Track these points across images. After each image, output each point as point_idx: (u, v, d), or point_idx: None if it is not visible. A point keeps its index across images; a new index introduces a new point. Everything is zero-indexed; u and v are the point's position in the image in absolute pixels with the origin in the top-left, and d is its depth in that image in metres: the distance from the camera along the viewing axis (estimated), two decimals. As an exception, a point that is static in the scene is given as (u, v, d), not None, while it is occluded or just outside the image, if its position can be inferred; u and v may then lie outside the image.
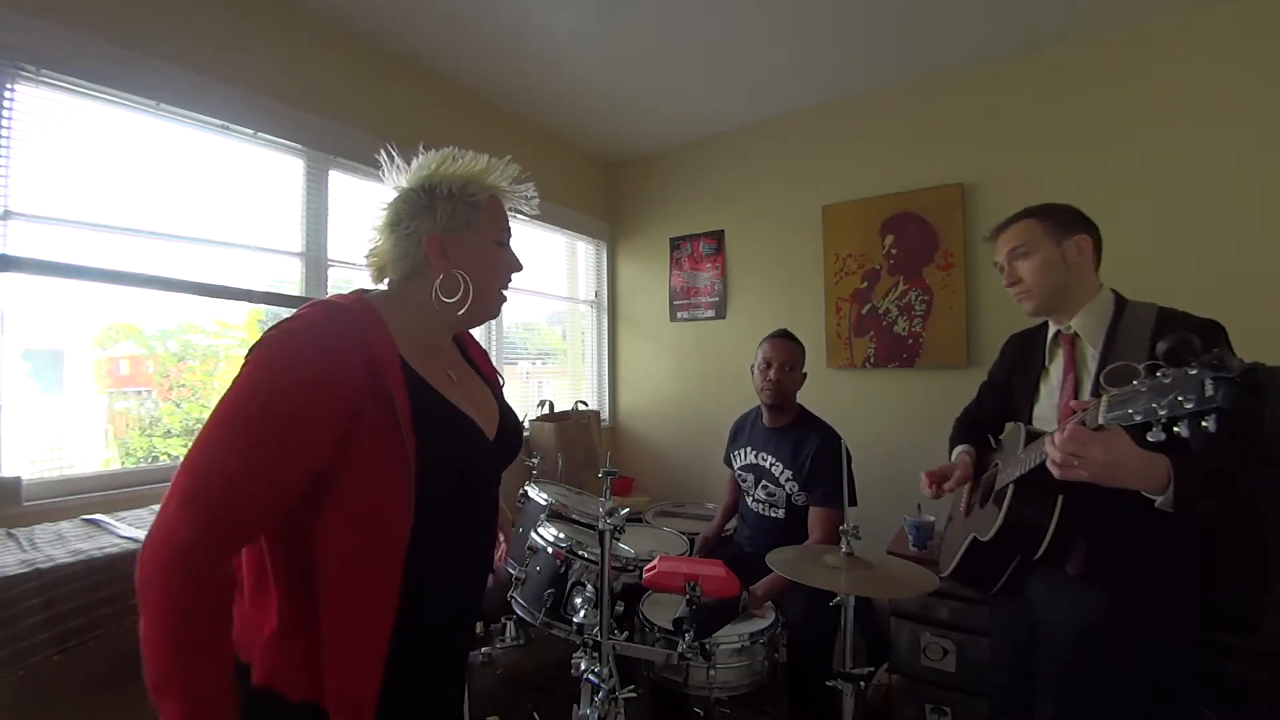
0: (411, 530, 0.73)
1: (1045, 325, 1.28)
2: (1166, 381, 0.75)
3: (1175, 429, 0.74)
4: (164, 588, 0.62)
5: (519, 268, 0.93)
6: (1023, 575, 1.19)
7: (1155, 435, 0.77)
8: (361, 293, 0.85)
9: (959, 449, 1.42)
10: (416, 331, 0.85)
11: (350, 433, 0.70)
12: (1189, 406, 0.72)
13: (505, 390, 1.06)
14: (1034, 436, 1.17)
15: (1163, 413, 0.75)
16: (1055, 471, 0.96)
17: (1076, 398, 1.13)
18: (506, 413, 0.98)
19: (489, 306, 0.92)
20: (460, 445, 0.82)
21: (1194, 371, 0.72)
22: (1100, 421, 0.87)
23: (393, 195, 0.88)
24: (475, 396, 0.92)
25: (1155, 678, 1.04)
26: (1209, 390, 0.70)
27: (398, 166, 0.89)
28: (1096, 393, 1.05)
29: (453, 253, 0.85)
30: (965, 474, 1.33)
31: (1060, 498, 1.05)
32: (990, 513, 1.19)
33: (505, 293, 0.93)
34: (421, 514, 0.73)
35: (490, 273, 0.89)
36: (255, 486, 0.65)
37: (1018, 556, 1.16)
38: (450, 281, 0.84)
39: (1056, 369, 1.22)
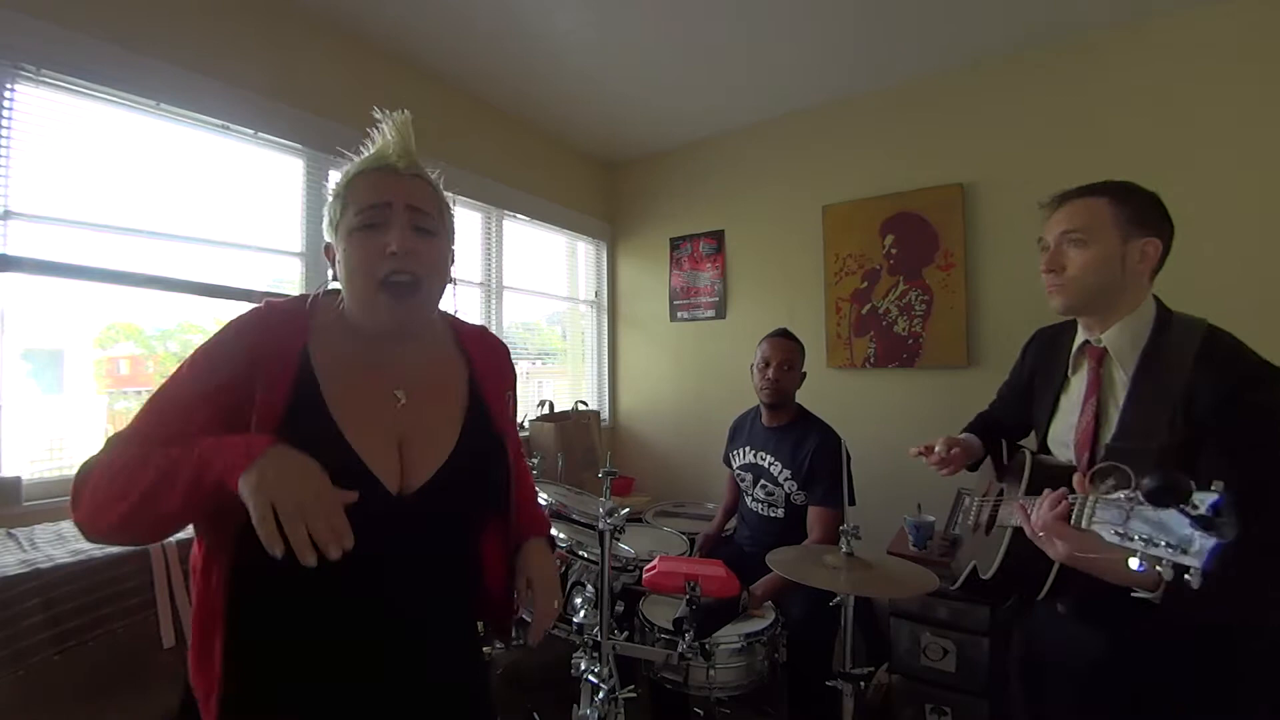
0: (249, 557, 0.63)
1: (1074, 326, 1.11)
2: (1155, 515, 0.67)
3: (1158, 568, 0.66)
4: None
5: (390, 247, 0.72)
6: (1026, 600, 1.13)
7: (1135, 563, 0.68)
8: (321, 292, 0.81)
9: (965, 435, 1.33)
10: (344, 340, 0.76)
11: (237, 405, 0.68)
12: (1170, 556, 0.64)
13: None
14: (1039, 470, 1.08)
15: (1141, 545, 0.67)
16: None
17: (1097, 425, 1.00)
18: (463, 466, 0.78)
19: (365, 304, 0.74)
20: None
21: (1184, 519, 0.63)
22: (1084, 526, 0.79)
23: None
24: (418, 428, 0.76)
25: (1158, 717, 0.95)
26: (1195, 547, 0.61)
27: None
28: (1114, 446, 0.95)
29: (337, 256, 0.77)
30: (965, 451, 1.24)
31: None
32: (991, 546, 1.11)
33: (387, 293, 0.73)
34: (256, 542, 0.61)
35: (351, 263, 0.74)
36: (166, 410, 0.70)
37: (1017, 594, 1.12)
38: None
39: (1079, 385, 1.06)
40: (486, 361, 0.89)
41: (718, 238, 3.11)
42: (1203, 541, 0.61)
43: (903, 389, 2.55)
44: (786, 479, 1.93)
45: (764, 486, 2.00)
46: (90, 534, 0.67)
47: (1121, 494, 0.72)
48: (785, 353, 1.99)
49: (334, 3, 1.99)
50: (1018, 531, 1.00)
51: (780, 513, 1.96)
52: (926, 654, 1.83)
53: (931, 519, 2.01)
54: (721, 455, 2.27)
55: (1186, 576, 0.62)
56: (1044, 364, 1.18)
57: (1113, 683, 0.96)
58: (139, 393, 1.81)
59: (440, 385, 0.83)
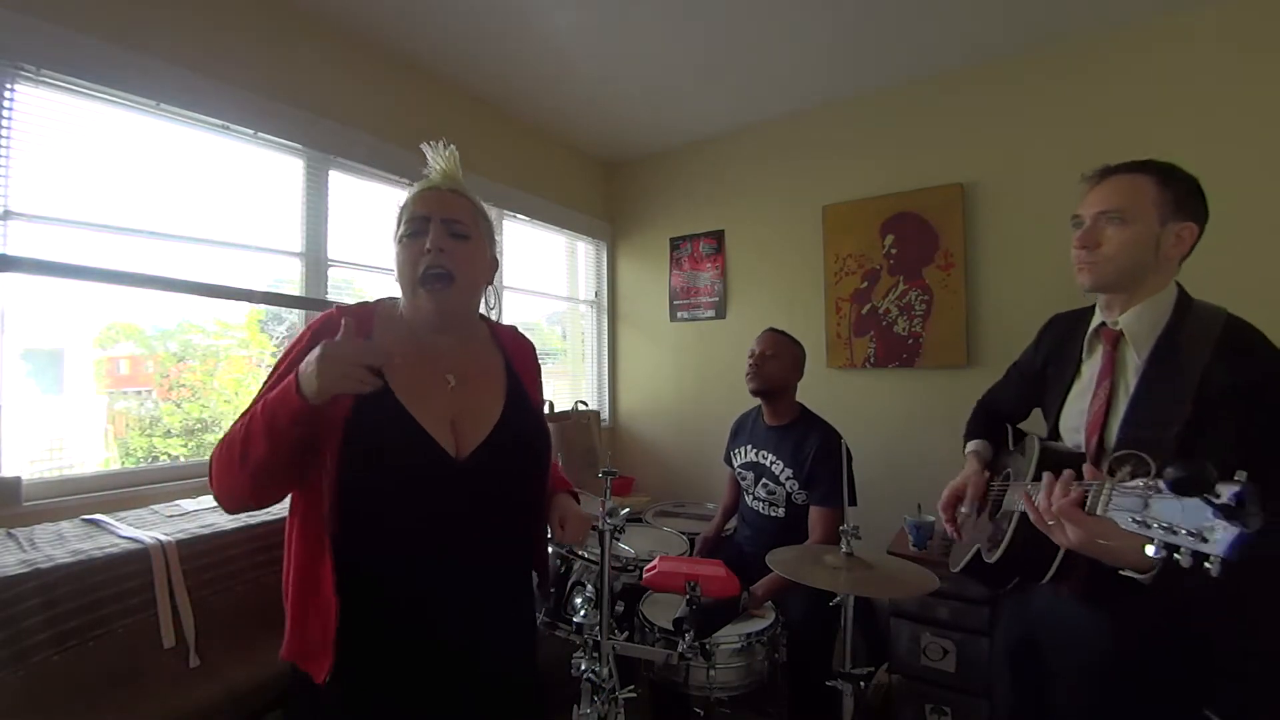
0: (343, 512, 0.81)
1: (1089, 314, 1.11)
2: (1176, 503, 0.66)
3: (1175, 555, 0.66)
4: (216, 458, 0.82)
5: (422, 251, 0.88)
6: (1027, 583, 1.13)
7: (1153, 550, 0.68)
8: (384, 300, 0.99)
9: (971, 446, 1.30)
10: (405, 333, 0.93)
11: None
12: (1190, 544, 0.64)
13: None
14: (1047, 455, 1.07)
15: (1160, 534, 0.67)
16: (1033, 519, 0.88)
17: (1109, 408, 1.00)
18: (509, 434, 0.93)
19: (410, 295, 0.92)
20: (388, 445, 0.84)
21: (1205, 508, 0.62)
22: (1099, 513, 0.78)
23: None
24: (468, 406, 0.92)
25: (1167, 700, 0.95)
26: (1217, 536, 0.61)
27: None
28: (1125, 433, 0.95)
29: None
30: (978, 490, 1.20)
31: None
32: (996, 532, 1.12)
33: (424, 285, 0.89)
34: (350, 498, 0.81)
35: (399, 264, 0.92)
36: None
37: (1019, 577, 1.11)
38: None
39: (1091, 370, 1.06)
40: (519, 353, 1.07)
41: (718, 238, 3.11)
42: (1225, 532, 0.61)
43: (903, 389, 2.55)
44: (788, 478, 1.93)
45: (765, 485, 2.00)
46: (224, 505, 0.83)
47: (1140, 481, 0.71)
48: (765, 342, 2.02)
49: (334, 3, 1.99)
50: (1024, 516, 1.00)
51: (781, 511, 1.96)
52: (926, 654, 1.83)
53: (931, 519, 2.01)
54: (722, 455, 2.27)
55: (1206, 565, 0.62)
56: (1059, 350, 1.17)
57: (1114, 666, 0.96)
58: (139, 393, 1.81)
59: (483, 372, 0.98)
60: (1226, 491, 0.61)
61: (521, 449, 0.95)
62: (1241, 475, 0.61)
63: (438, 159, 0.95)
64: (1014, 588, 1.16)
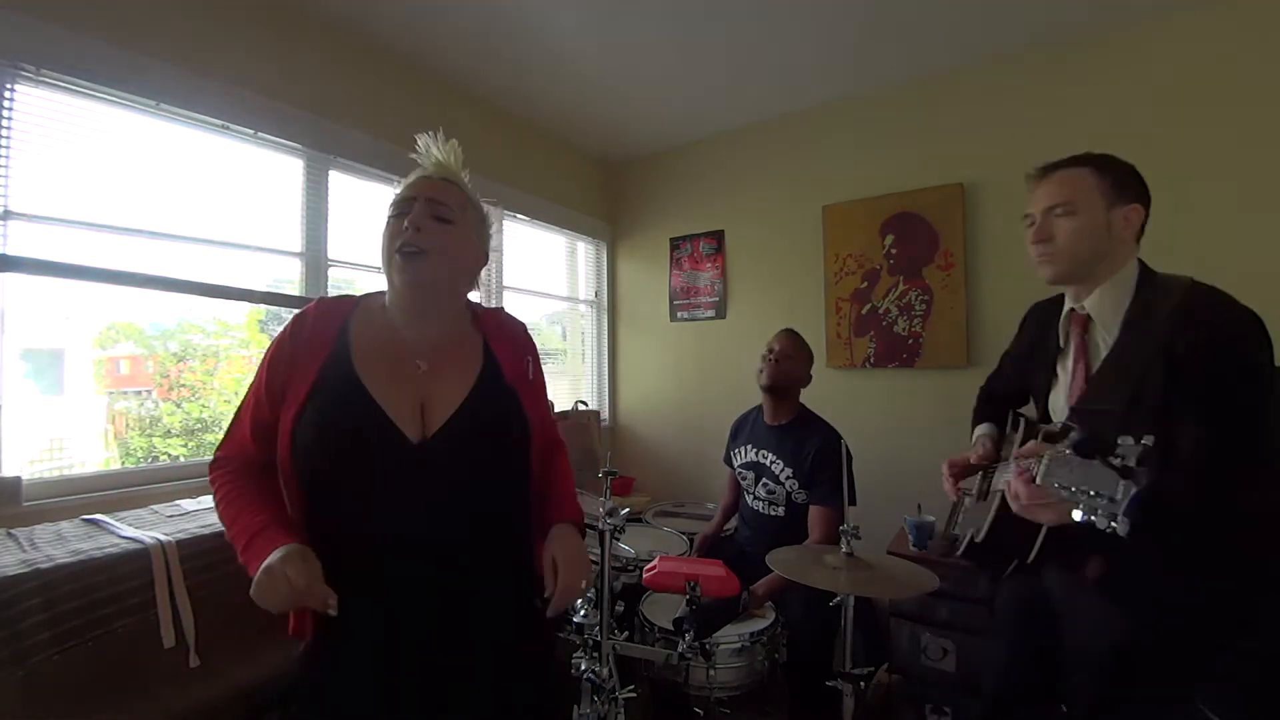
0: (301, 485, 0.83)
1: (1063, 298, 1.16)
2: (1087, 467, 0.68)
3: (1090, 518, 0.68)
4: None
5: (401, 231, 0.88)
6: (1033, 566, 1.09)
7: (1079, 515, 0.69)
8: (371, 294, 0.99)
9: (980, 431, 1.33)
10: (382, 321, 0.93)
11: (285, 383, 0.87)
12: (1101, 505, 0.66)
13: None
14: (1030, 432, 1.12)
15: (1080, 498, 0.69)
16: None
17: (1087, 388, 1.03)
18: (471, 416, 0.88)
19: (386, 269, 0.91)
20: (342, 423, 0.83)
21: (1109, 470, 0.64)
22: (1039, 483, 0.81)
23: None
24: (437, 390, 0.88)
25: (1180, 685, 0.97)
26: (1119, 495, 0.63)
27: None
28: (1080, 406, 1.00)
29: None
30: (986, 458, 1.23)
31: None
32: (985, 511, 1.16)
33: (398, 258, 0.88)
34: (306, 473, 0.83)
35: (382, 241, 0.92)
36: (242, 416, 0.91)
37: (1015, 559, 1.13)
38: None
39: (1070, 352, 1.11)
40: (500, 332, 1.01)
41: (718, 238, 3.11)
42: (1125, 490, 0.63)
43: (903, 389, 2.55)
44: (788, 477, 1.93)
45: (765, 485, 2.00)
46: None
47: (1066, 450, 0.74)
48: (786, 343, 2.04)
49: (335, 2, 1.99)
50: (1004, 496, 1.04)
51: (781, 511, 1.97)
52: (926, 654, 1.83)
53: (931, 519, 2.01)
54: (722, 455, 2.27)
55: (1113, 524, 0.64)
56: (1041, 337, 1.20)
57: (1139, 654, 0.97)
58: (139, 393, 1.81)
59: (457, 355, 0.95)
60: (1131, 453, 0.63)
61: (491, 428, 0.90)
62: (1149, 439, 0.63)
63: (433, 148, 0.97)
64: (1016, 570, 1.15)
